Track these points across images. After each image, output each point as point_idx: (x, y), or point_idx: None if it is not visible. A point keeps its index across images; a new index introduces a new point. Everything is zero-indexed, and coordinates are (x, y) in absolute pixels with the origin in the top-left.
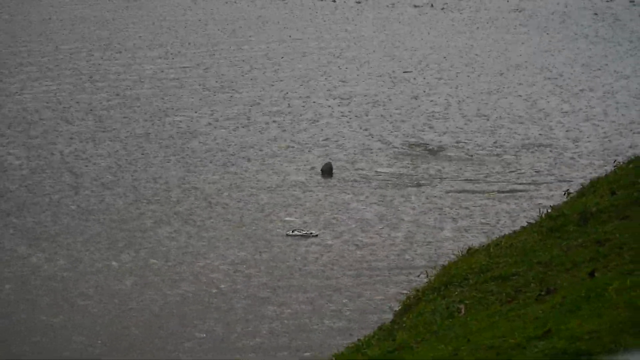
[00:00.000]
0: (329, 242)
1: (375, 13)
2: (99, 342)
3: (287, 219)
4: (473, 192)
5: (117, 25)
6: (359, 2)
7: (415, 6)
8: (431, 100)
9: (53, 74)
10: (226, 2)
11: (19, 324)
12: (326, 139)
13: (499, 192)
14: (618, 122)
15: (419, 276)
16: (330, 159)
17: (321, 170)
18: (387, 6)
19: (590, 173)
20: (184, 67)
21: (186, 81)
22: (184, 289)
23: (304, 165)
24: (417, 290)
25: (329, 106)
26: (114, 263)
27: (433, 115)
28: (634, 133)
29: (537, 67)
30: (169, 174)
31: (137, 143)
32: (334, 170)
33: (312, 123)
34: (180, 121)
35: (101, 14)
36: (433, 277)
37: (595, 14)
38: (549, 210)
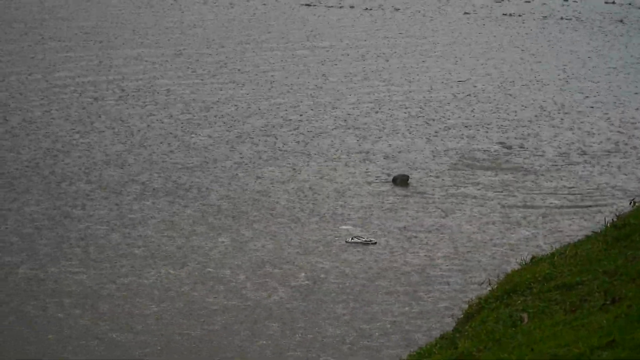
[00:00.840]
0: (392, 250)
1: (433, 21)
2: None
3: (342, 227)
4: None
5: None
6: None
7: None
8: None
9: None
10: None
11: None
12: (397, 150)
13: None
14: None
15: (482, 284)
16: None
17: (394, 180)
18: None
19: None
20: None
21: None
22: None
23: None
24: (480, 299)
25: (397, 117)
26: (171, 271)
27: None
28: None
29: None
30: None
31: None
32: (409, 181)
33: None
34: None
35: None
36: (496, 286)
37: None
38: (615, 220)
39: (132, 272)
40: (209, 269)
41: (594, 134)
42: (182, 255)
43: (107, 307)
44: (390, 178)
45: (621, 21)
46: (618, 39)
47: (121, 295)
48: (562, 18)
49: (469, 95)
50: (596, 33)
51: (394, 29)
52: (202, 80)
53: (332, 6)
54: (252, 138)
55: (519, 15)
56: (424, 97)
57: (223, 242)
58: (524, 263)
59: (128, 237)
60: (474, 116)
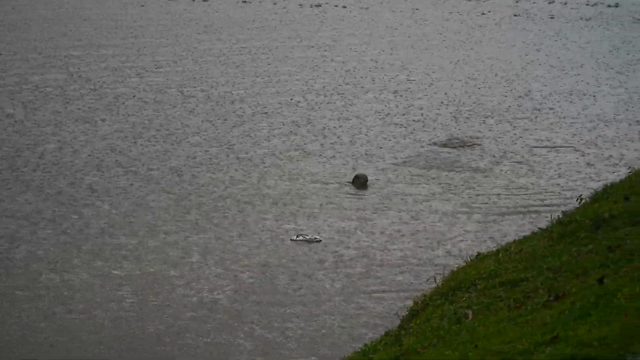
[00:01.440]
0: (335, 248)
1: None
2: None
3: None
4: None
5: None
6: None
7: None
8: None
9: None
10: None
11: None
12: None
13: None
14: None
15: (427, 281)
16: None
17: (354, 180)
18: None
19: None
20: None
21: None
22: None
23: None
24: (425, 296)
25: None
26: (114, 271)
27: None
28: None
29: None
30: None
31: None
32: (366, 181)
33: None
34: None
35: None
36: (441, 283)
37: None
38: (560, 216)
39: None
40: (151, 269)
41: (548, 131)
42: (128, 252)
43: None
44: (348, 178)
45: (589, 19)
46: (576, 37)
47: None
48: (528, 16)
49: (425, 94)
50: (564, 31)
51: (346, 25)
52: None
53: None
54: (204, 137)
55: (483, 14)
56: (384, 96)
57: (168, 239)
58: (469, 260)
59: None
60: (429, 115)
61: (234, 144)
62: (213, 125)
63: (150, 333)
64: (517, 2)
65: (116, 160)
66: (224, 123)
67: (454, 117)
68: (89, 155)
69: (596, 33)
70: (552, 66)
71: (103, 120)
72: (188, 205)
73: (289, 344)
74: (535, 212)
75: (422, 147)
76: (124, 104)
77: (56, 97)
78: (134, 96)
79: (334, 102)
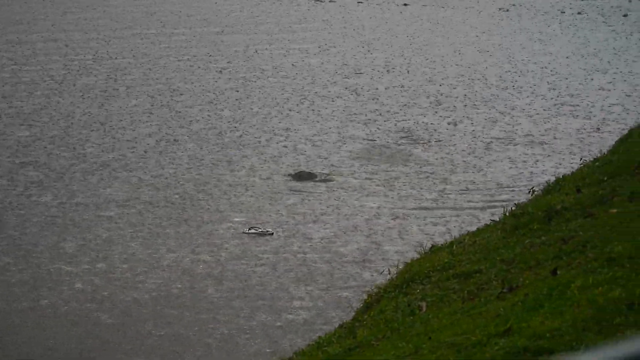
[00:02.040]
0: (291, 241)
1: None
2: None
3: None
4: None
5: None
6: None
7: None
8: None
9: None
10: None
11: None
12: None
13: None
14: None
15: (381, 273)
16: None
17: (298, 174)
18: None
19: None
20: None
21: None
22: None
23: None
24: (379, 288)
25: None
26: (65, 267)
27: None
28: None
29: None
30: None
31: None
32: (315, 173)
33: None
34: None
35: None
36: (395, 275)
37: None
38: (513, 208)
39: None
40: (102, 264)
41: (507, 124)
42: (76, 246)
43: None
44: (295, 171)
45: (563, 11)
46: (550, 31)
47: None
48: (500, 9)
49: (381, 84)
50: (538, 24)
51: (310, 17)
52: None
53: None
54: (150, 132)
55: (442, 7)
56: (338, 87)
57: (119, 234)
58: (423, 252)
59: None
60: (383, 106)
61: (185, 139)
62: (149, 117)
63: (107, 324)
64: None
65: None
66: (164, 112)
67: (410, 110)
68: None
69: (567, 29)
70: (511, 61)
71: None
72: (143, 198)
73: (244, 337)
74: (491, 206)
75: (375, 140)
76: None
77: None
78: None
79: (289, 96)
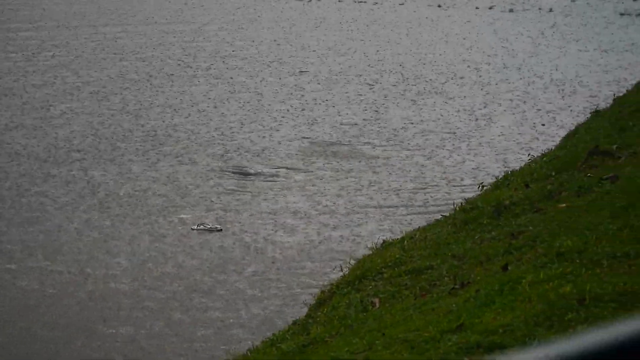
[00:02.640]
0: (240, 237)
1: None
2: None
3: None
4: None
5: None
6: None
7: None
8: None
9: None
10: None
11: None
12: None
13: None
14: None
15: (333, 269)
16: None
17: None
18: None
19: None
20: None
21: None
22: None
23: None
24: (332, 284)
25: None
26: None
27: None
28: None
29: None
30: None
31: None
32: (261, 171)
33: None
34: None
35: None
36: (347, 271)
37: None
38: (463, 203)
39: None
40: (46, 263)
41: (451, 117)
42: (26, 246)
43: None
44: (242, 169)
45: (511, 10)
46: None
47: None
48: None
49: (323, 78)
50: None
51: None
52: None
53: None
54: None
55: (401, 4)
56: (281, 83)
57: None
58: (375, 248)
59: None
60: (326, 102)
61: (137, 140)
62: (94, 131)
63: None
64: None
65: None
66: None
67: (359, 106)
68: None
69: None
70: (465, 59)
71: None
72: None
73: (199, 332)
74: (443, 204)
75: (325, 136)
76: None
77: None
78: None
79: (240, 95)
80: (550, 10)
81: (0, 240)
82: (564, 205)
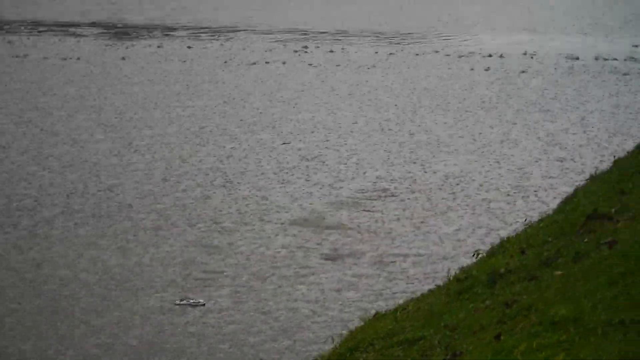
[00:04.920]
0: (223, 313)
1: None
2: None
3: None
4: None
5: None
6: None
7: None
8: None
9: None
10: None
11: None
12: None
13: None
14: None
15: (324, 342)
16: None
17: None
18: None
19: None
20: None
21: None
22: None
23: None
24: (323, 357)
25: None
26: None
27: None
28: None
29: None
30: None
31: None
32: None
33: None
34: None
35: None
36: (339, 343)
37: None
38: (457, 272)
39: None
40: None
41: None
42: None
43: None
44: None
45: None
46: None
47: None
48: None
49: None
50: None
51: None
52: None
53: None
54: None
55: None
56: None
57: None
58: (367, 319)
59: None
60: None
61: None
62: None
63: None
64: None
65: None
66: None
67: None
68: None
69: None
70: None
71: None
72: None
73: None
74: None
75: (312, 203)
76: None
77: None
78: None
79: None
80: None
81: None
82: (560, 272)
